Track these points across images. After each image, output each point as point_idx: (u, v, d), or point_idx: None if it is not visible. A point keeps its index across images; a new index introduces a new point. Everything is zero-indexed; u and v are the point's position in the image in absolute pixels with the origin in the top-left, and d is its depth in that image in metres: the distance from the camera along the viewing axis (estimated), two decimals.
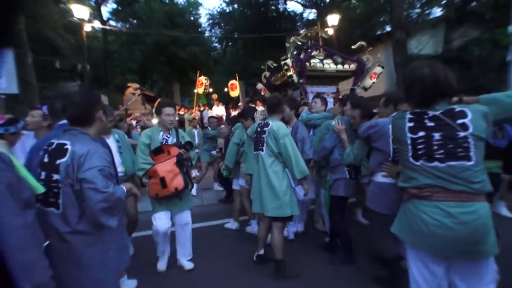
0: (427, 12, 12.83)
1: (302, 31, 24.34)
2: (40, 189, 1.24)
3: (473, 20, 10.29)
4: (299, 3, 22.46)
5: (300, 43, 5.52)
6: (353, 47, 5.51)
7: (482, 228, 1.27)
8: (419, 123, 1.39)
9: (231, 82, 11.82)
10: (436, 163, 1.33)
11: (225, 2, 23.58)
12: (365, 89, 5.35)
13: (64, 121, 1.80)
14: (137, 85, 12.10)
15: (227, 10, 22.99)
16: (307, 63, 5.10)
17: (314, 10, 22.20)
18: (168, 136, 2.76)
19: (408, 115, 1.44)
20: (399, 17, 9.66)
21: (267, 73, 6.00)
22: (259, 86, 6.09)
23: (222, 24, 23.24)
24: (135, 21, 19.21)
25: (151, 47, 16.28)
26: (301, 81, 4.96)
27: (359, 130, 2.36)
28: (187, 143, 2.72)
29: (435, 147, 1.33)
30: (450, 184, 1.29)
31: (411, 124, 1.41)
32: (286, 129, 2.65)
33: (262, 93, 6.00)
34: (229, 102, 18.02)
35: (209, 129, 5.79)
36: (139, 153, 2.63)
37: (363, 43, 5.31)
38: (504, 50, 8.34)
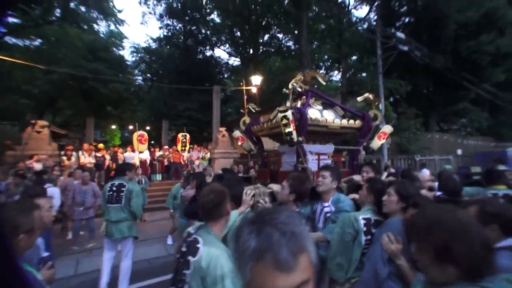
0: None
1: (227, 77, 26.31)
2: None
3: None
4: (225, 51, 24.63)
5: (300, 90, 4.28)
6: (358, 99, 4.59)
7: None
8: None
9: (139, 132, 9.38)
10: None
11: (152, 38, 23.68)
12: (373, 151, 4.48)
13: None
14: (45, 123, 10.57)
15: (153, 47, 23.05)
16: (308, 116, 3.81)
17: (238, 59, 24.66)
18: None
19: None
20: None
21: (247, 119, 4.73)
22: (236, 133, 4.69)
23: (147, 60, 23.03)
24: (39, 40, 16.63)
25: (65, 78, 14.07)
26: (300, 139, 3.63)
27: None
28: None
29: None
30: None
31: None
32: (228, 264, 1.33)
33: (240, 143, 4.74)
34: (151, 142, 17.42)
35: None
36: None
37: (370, 95, 4.38)
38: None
